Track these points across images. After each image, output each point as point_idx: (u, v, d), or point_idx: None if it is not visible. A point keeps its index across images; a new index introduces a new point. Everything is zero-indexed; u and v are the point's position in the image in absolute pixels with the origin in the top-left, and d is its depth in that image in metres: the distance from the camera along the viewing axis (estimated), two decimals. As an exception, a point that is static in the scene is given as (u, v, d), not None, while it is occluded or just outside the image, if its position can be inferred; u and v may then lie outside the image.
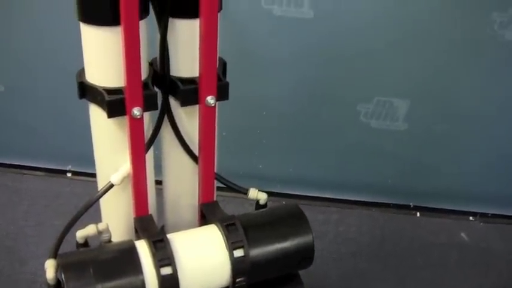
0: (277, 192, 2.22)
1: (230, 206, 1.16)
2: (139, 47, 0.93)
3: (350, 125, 2.13)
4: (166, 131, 1.13)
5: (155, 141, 1.10)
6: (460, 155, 2.19)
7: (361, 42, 1.97)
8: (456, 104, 2.09)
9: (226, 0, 1.05)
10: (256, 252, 1.02)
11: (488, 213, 2.28)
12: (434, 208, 2.28)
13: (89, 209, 1.07)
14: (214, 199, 1.16)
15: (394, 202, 2.28)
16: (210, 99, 1.02)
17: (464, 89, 2.05)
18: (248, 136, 2.19)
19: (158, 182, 1.19)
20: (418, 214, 2.27)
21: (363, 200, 2.28)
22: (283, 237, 1.04)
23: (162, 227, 1.26)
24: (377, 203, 2.28)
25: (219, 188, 1.21)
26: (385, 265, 1.99)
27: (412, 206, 2.29)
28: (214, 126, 1.07)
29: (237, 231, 1.01)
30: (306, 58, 2.00)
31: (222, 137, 1.17)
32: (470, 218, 2.28)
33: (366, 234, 2.12)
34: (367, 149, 2.18)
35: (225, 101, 1.08)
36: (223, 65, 1.11)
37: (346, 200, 2.28)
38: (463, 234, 2.17)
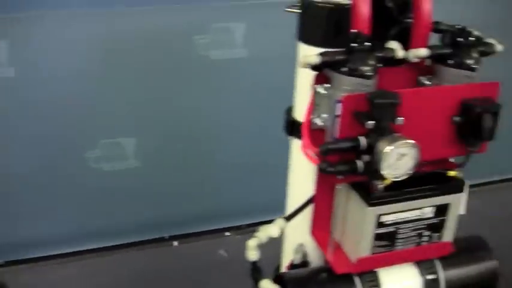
0: (29, 258, 2.08)
1: None
2: None
3: (83, 173, 2.09)
4: None
5: None
6: (202, 176, 2.25)
7: (75, 91, 1.94)
8: (185, 129, 2.14)
9: None
10: None
11: (241, 225, 2.36)
12: (190, 233, 2.31)
13: None
14: None
15: (149, 238, 2.26)
16: None
17: (187, 112, 2.11)
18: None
19: None
20: (175, 243, 2.28)
21: (117, 243, 2.23)
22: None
23: None
24: (133, 243, 2.24)
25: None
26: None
27: (167, 237, 2.29)
28: None
29: None
30: (20, 115, 1.93)
31: None
32: (226, 233, 2.34)
33: (126, 278, 2.08)
34: (107, 193, 2.14)
35: None
36: None
37: (101, 248, 2.21)
38: (221, 251, 2.22)
